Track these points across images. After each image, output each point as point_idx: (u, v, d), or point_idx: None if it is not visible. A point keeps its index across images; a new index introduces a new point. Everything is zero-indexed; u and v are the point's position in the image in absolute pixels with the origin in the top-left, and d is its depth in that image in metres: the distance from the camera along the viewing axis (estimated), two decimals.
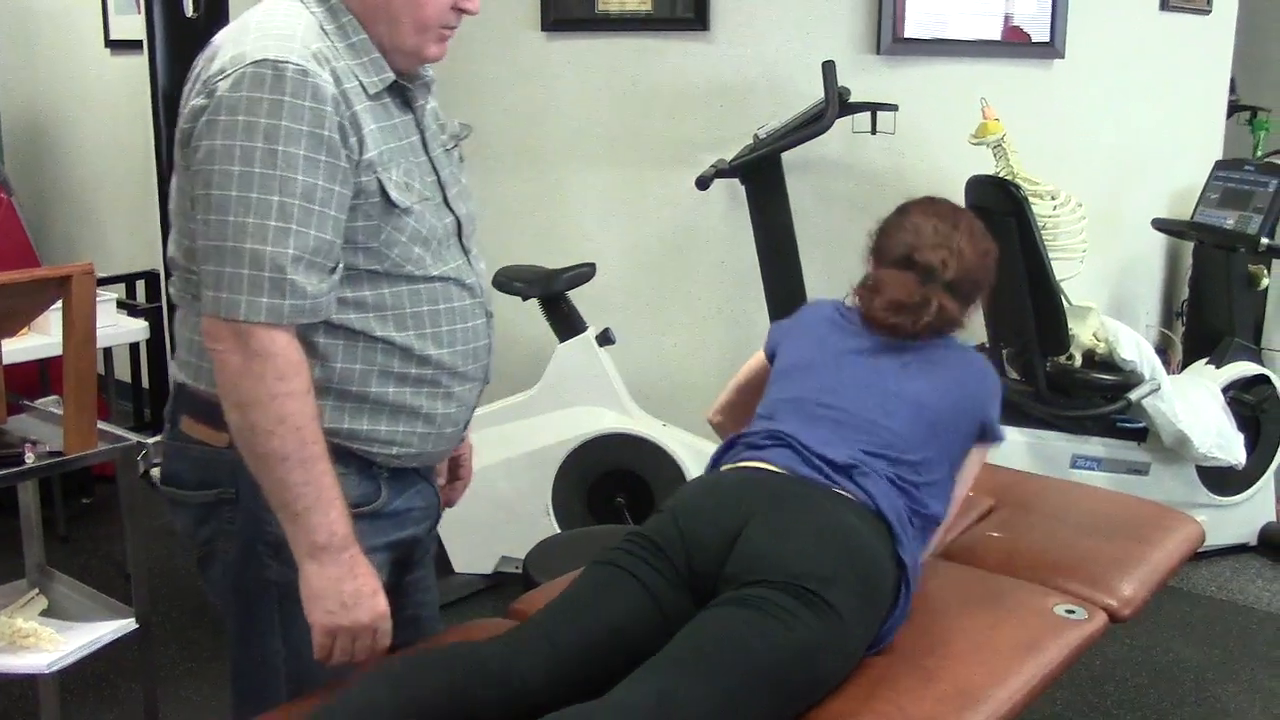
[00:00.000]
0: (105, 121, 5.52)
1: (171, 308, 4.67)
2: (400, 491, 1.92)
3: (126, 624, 2.48)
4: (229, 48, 1.68)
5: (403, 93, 1.83)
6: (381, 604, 1.77)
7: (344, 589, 1.72)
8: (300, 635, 1.84)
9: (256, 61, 1.63)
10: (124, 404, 4.87)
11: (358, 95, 1.73)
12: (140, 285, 4.78)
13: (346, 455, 1.81)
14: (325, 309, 1.70)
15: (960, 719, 1.80)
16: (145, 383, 4.81)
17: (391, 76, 1.78)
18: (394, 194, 1.75)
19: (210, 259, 1.65)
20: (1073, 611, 2.14)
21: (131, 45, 4.96)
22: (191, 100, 1.69)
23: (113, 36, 5.40)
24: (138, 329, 3.97)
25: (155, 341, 4.44)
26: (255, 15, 1.72)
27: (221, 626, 3.55)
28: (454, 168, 1.95)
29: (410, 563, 2.06)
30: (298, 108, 1.63)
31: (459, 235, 1.90)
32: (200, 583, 1.96)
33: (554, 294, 3.78)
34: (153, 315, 4.30)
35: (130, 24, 5.03)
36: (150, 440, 2.52)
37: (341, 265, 1.72)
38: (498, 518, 3.82)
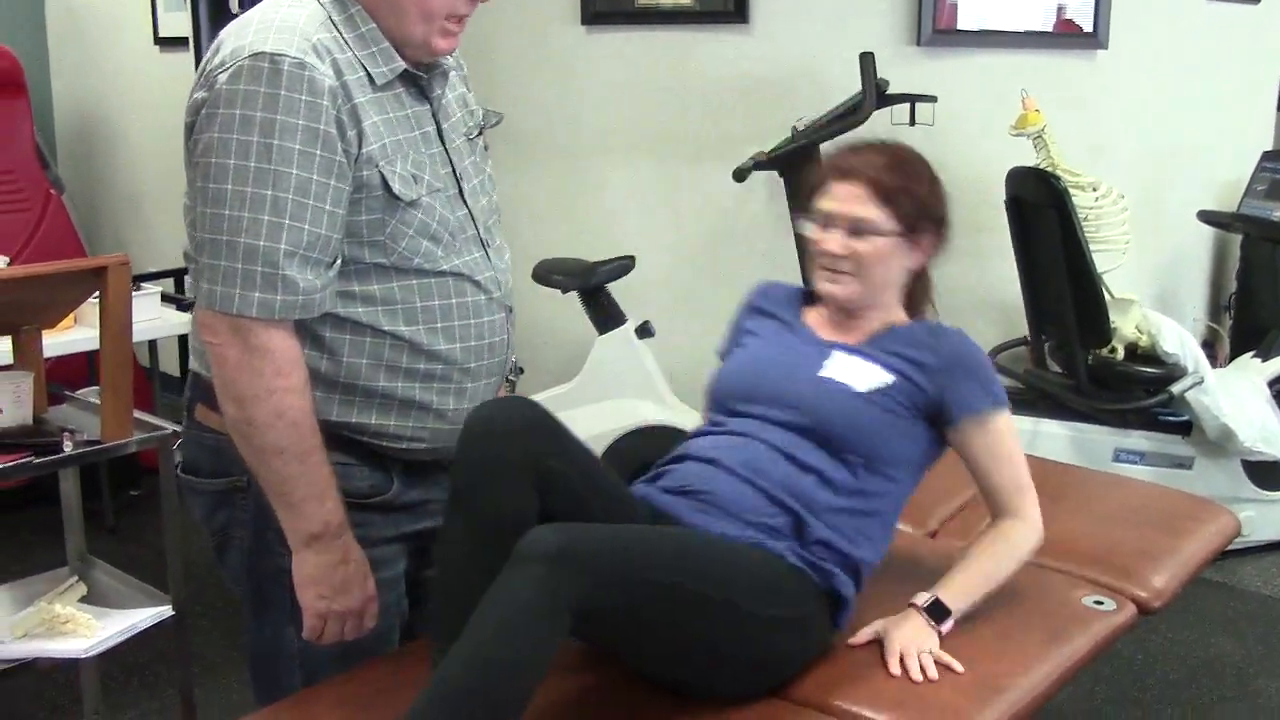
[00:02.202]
0: (155, 118, 5.59)
1: None
2: (415, 483, 1.93)
3: (163, 611, 2.51)
4: (231, 40, 1.69)
5: (417, 82, 1.83)
6: (370, 588, 1.82)
7: (336, 575, 1.77)
8: None
9: (254, 55, 1.65)
10: (170, 397, 4.93)
11: (362, 87, 1.73)
12: (188, 280, 4.82)
13: (356, 446, 1.83)
14: (319, 304, 1.71)
15: (981, 709, 1.78)
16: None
17: (401, 66, 1.78)
18: (396, 187, 1.75)
19: (205, 252, 1.67)
20: (1101, 603, 2.12)
21: (180, 42, 5.02)
22: (195, 94, 1.71)
23: (162, 34, 5.46)
24: (182, 322, 4.01)
25: None
26: (262, 8, 1.74)
27: None
28: (476, 158, 1.95)
29: (429, 556, 2.04)
30: (293, 101, 1.64)
31: (475, 228, 1.89)
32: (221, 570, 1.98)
33: (593, 287, 3.80)
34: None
35: (179, 21, 5.09)
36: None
37: (339, 260, 1.73)
38: None
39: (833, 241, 2.04)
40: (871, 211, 2.02)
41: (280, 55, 1.64)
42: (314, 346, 1.75)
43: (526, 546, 1.57)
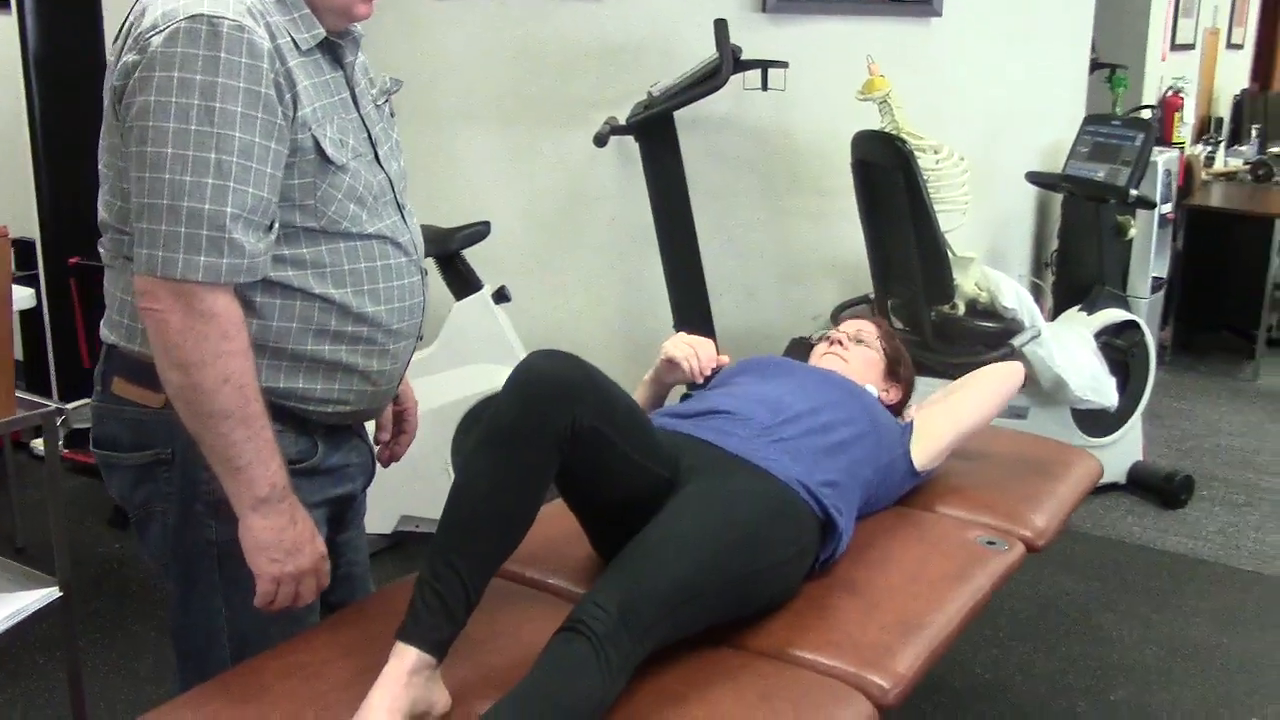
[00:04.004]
0: None
1: (50, 276, 4.52)
2: (336, 448, 1.93)
3: (49, 593, 2.44)
4: (160, 2, 1.65)
5: (333, 49, 1.82)
6: (321, 547, 1.82)
7: (285, 537, 1.75)
8: (242, 594, 1.85)
9: (191, 16, 1.60)
10: None
11: (290, 51, 1.71)
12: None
13: (282, 412, 1.81)
14: (261, 268, 1.69)
15: (906, 644, 1.88)
16: (19, 354, 4.68)
17: (323, 32, 1.77)
18: (329, 150, 1.74)
19: (145, 217, 1.62)
20: (993, 543, 2.25)
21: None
22: (124, 56, 1.66)
23: None
24: (23, 297, 3.86)
25: (32, 312, 4.33)
26: None
27: (127, 594, 3.52)
28: (385, 124, 1.95)
29: (344, 520, 2.07)
30: (233, 64, 1.61)
31: (392, 192, 1.90)
32: (117, 547, 1.94)
33: (449, 253, 3.79)
34: (28, 285, 4.18)
35: None
36: (69, 406, 2.47)
37: (277, 224, 1.71)
38: (397, 477, 3.76)
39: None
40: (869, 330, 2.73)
41: (219, 17, 1.61)
42: (244, 311, 1.73)
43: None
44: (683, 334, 2.46)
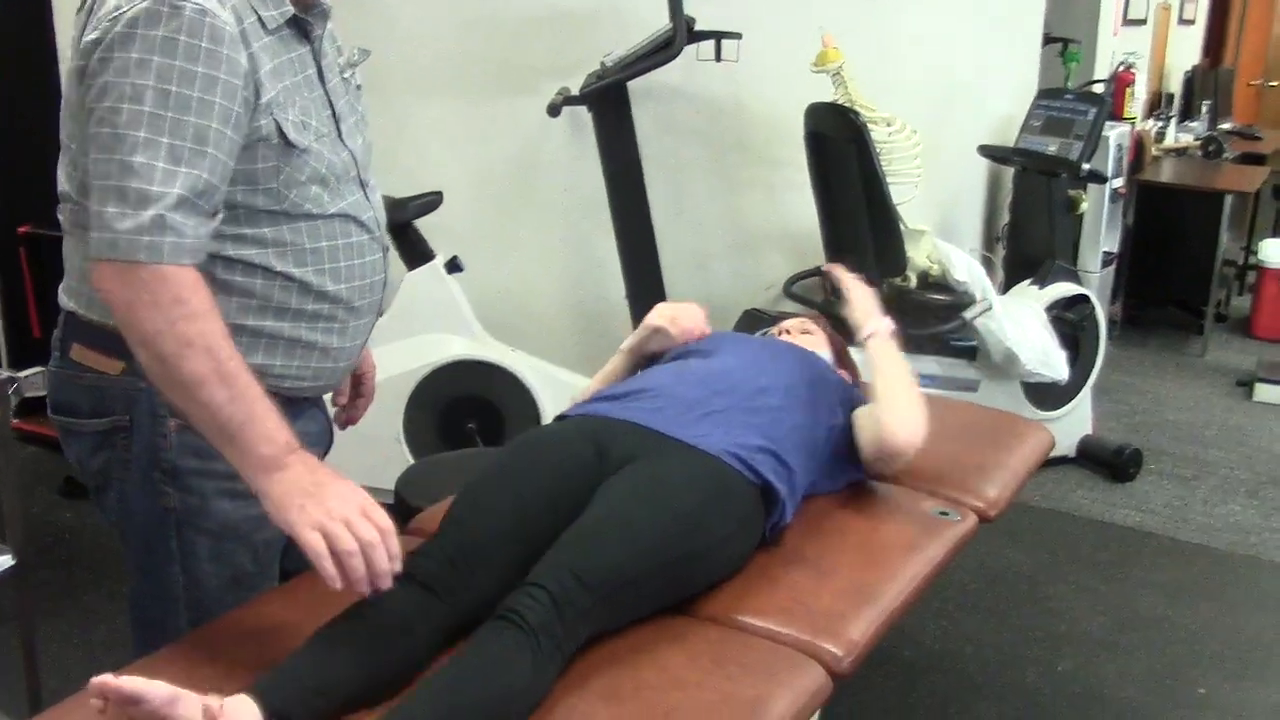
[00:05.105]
0: None
1: None
2: (295, 418, 1.89)
3: (3, 561, 2.41)
4: None
5: (300, 24, 1.79)
6: (354, 487, 1.66)
7: (305, 483, 1.62)
8: (199, 563, 1.86)
9: None
10: None
11: (256, 32, 1.69)
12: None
13: None
14: (201, 251, 1.64)
15: (859, 612, 1.89)
16: None
17: (291, 10, 1.75)
18: (291, 135, 1.72)
19: (95, 197, 1.60)
20: (946, 513, 2.27)
21: None
22: (86, 35, 1.64)
23: None
24: None
25: None
26: None
27: (78, 564, 3.49)
28: (351, 98, 1.93)
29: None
30: (193, 48, 1.59)
31: (355, 169, 1.88)
32: (68, 517, 1.92)
33: (402, 222, 3.76)
34: None
35: None
36: (21, 374, 2.43)
37: (220, 213, 1.68)
38: (347, 446, 3.77)
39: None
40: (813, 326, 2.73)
41: (181, 0, 1.59)
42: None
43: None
44: (667, 303, 2.51)
